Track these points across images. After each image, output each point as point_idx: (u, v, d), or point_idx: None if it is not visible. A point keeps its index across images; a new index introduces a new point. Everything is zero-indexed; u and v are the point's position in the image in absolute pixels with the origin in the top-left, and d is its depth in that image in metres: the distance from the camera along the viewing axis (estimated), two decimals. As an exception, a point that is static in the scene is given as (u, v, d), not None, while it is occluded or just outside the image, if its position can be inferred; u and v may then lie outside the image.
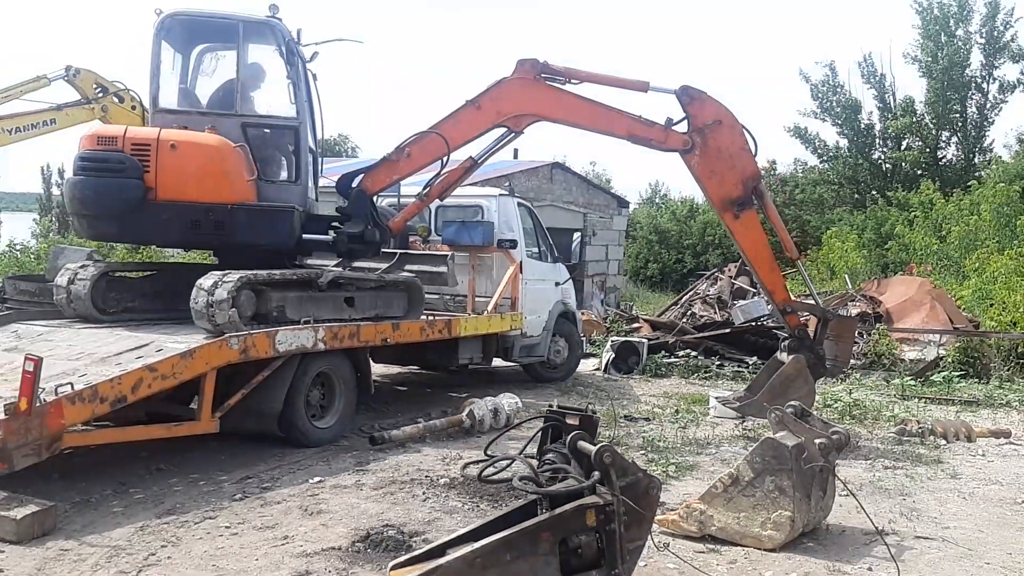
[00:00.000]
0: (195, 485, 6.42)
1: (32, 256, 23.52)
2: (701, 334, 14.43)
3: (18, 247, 27.62)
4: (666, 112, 8.89)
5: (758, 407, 8.24)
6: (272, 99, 8.63)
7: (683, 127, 8.77)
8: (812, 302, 9.72)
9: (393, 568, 4.38)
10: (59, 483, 6.24)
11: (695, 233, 34.15)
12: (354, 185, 8.95)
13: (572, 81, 8.82)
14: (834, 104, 30.45)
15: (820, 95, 30.61)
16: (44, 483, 6.09)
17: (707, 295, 17.09)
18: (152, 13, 8.26)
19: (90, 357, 6.79)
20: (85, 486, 6.26)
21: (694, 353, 13.56)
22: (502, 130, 9.00)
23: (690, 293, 17.90)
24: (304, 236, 8.50)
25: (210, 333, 7.20)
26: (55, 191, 50.79)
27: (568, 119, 8.93)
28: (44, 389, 5.54)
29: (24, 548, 5.00)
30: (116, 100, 11.87)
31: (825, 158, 31.80)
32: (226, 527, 5.50)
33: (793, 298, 9.67)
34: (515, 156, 25.14)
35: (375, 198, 9.13)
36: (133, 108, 11.94)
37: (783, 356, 9.02)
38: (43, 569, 4.74)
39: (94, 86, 11.78)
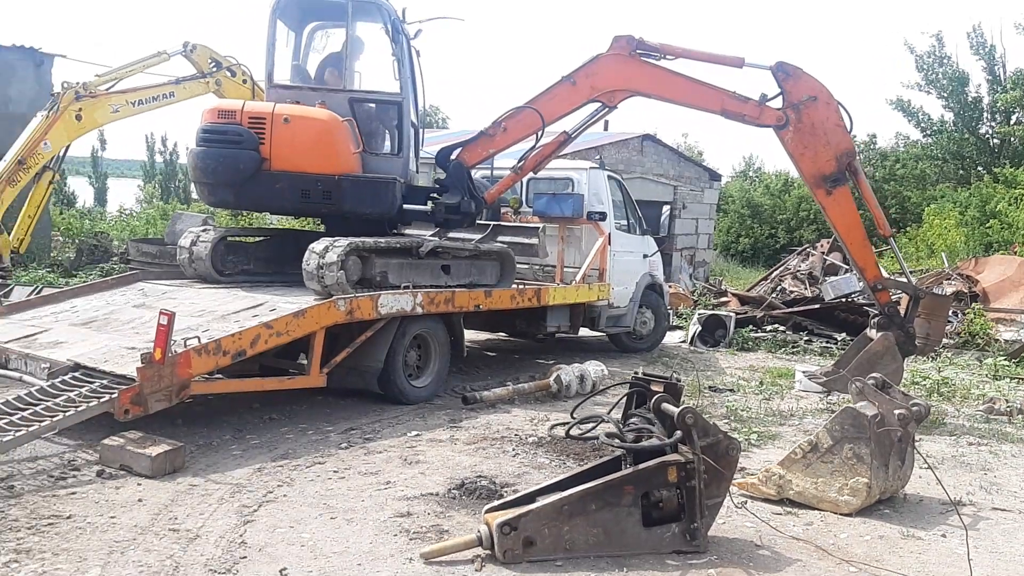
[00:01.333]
0: (304, 434, 6.97)
1: (141, 220, 24.94)
2: (790, 309, 14.40)
3: (127, 212, 29.26)
4: (761, 88, 8.97)
5: (844, 382, 8.31)
6: (378, 75, 9.09)
7: (778, 103, 8.82)
8: (904, 280, 9.67)
9: (487, 511, 4.78)
10: (183, 428, 6.86)
11: (789, 208, 33.54)
12: (452, 158, 9.32)
13: (667, 57, 8.95)
14: (940, 76, 29.40)
15: (925, 67, 29.59)
16: (171, 428, 6.72)
17: (798, 270, 16.98)
18: None
19: (212, 314, 7.40)
20: (207, 432, 6.87)
21: (782, 328, 13.56)
22: (596, 104, 9.22)
23: (781, 268, 17.80)
24: (404, 206, 8.94)
25: (319, 294, 7.74)
26: (158, 158, 53.11)
27: (662, 94, 9.07)
28: (175, 341, 6.12)
29: (158, 482, 5.58)
30: (229, 74, 12.53)
31: (929, 132, 30.79)
32: (334, 471, 6.00)
33: (885, 275, 9.64)
34: (606, 128, 25.16)
35: (472, 171, 9.48)
36: (244, 82, 12.58)
37: (872, 333, 9.05)
38: (176, 501, 5.31)
39: (209, 61, 12.44)
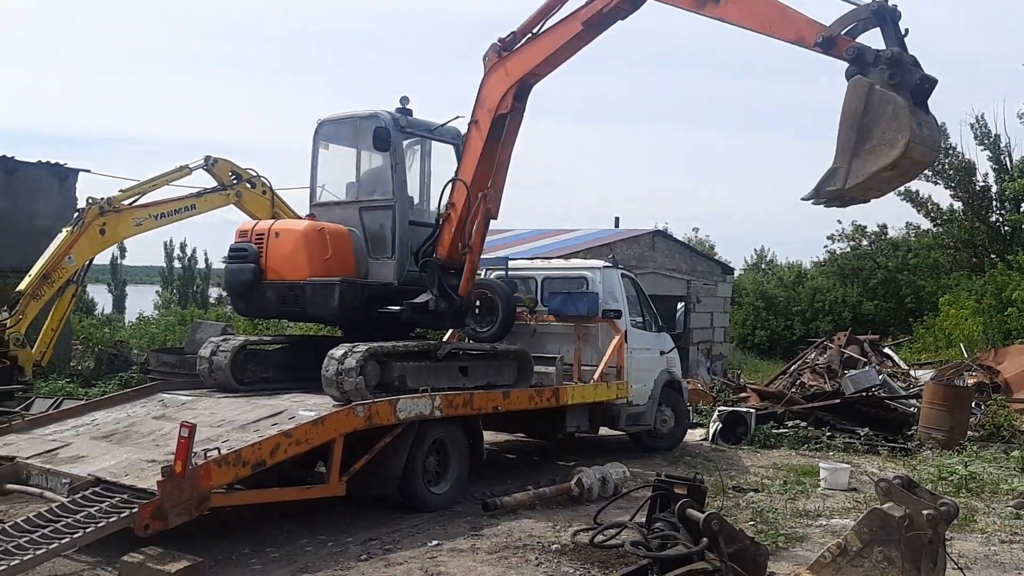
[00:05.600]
0: (324, 546, 6.89)
1: (160, 327, 25.17)
2: (811, 404, 14.26)
3: (145, 318, 29.59)
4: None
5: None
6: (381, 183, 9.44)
7: None
8: None
9: (512, 626, 4.68)
10: (202, 542, 6.79)
11: (803, 299, 33.54)
12: (422, 256, 9.17)
13: (527, 35, 8.76)
14: (946, 167, 29.75)
15: (931, 158, 29.97)
16: (190, 541, 6.66)
17: (816, 364, 16.89)
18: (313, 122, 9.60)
19: (231, 424, 7.44)
20: (226, 545, 6.81)
21: (803, 423, 13.41)
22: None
23: (798, 362, 17.71)
24: (381, 309, 9.03)
25: (338, 400, 7.77)
26: (176, 264, 53.95)
27: (536, 60, 8.70)
28: (196, 453, 6.14)
29: (177, 599, 5.50)
30: (249, 186, 12.88)
31: (939, 221, 30.97)
32: (354, 585, 5.91)
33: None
34: (616, 225, 25.58)
35: (452, 266, 9.18)
36: (263, 193, 12.93)
37: None
38: (195, 619, 5.23)
39: (230, 174, 12.82)
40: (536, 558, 6.61)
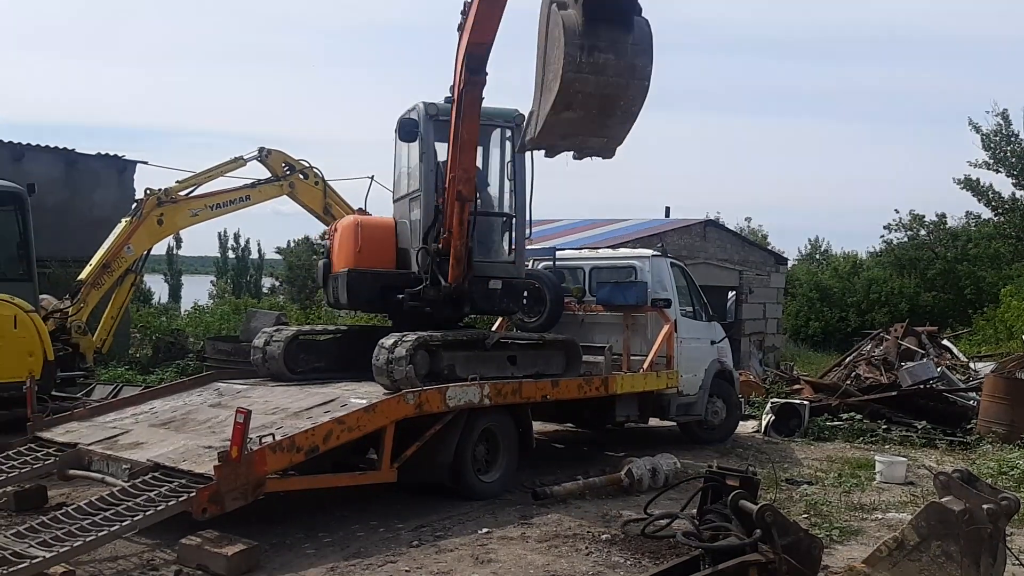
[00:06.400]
0: (375, 531, 6.96)
1: (215, 316, 25.66)
2: (867, 396, 14.00)
3: (200, 308, 30.21)
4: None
5: None
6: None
7: None
8: None
9: (563, 614, 4.68)
10: (257, 526, 6.91)
11: (859, 290, 32.91)
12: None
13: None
14: (1008, 154, 28.91)
15: (992, 145, 29.15)
16: (246, 526, 6.78)
17: (872, 356, 16.57)
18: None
19: (284, 412, 7.55)
20: (280, 529, 6.92)
21: (859, 416, 13.17)
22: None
23: (854, 354, 17.39)
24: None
25: (388, 388, 7.84)
26: (230, 255, 54.90)
27: (469, 29, 7.99)
28: (251, 439, 6.24)
29: (233, 582, 5.62)
30: (302, 177, 13.02)
31: (1000, 210, 30.13)
32: (406, 571, 5.97)
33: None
34: (667, 214, 25.35)
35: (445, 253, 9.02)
36: (316, 184, 13.06)
37: None
38: (251, 601, 5.33)
39: (283, 165, 12.96)
40: (586, 547, 6.60)
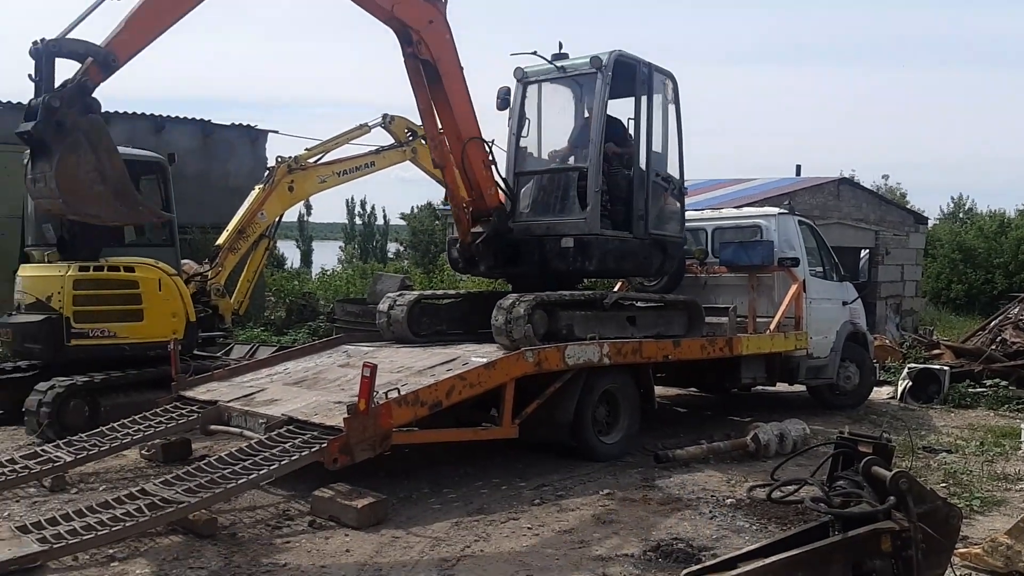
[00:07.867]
0: (498, 489, 7.07)
1: (343, 280, 26.55)
2: (1013, 362, 13.17)
3: (329, 272, 31.31)
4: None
5: None
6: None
7: None
8: None
9: (686, 576, 4.61)
10: (386, 480, 7.14)
11: (1007, 251, 30.86)
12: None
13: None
14: None
15: None
16: (374, 480, 7.01)
17: (1020, 320, 15.52)
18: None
19: (409, 370, 7.73)
20: (407, 484, 7.12)
21: (1004, 383, 12.42)
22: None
23: (1000, 317, 16.34)
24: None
25: (507, 348, 7.90)
26: (357, 221, 56.41)
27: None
28: (377, 393, 6.42)
29: (364, 533, 5.83)
30: (424, 143, 13.17)
31: None
32: (528, 528, 6.03)
33: None
34: (798, 173, 24.39)
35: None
36: (437, 148, 13.18)
37: None
38: (380, 552, 5.52)
39: (406, 131, 13.15)
40: (710, 511, 6.50)
